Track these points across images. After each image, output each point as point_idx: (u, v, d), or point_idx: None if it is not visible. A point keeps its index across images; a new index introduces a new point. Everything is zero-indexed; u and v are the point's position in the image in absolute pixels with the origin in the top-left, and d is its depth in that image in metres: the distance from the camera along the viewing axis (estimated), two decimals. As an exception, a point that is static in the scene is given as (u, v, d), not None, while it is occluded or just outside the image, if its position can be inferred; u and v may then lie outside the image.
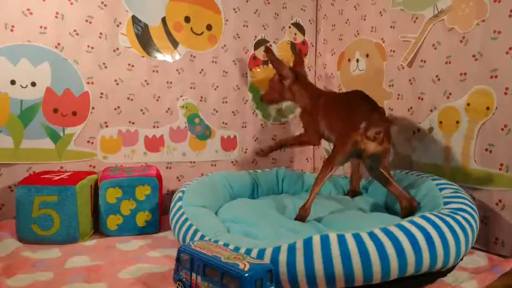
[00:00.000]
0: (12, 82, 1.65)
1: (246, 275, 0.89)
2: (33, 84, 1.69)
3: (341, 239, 1.03)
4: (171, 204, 1.51)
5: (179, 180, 2.03)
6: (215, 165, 2.12)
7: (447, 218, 1.10)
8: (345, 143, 1.40)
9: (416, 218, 1.09)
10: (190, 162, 2.06)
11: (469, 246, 1.14)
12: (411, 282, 1.08)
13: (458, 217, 1.12)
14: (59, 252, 1.38)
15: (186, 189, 1.58)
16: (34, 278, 1.15)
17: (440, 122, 1.63)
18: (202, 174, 2.06)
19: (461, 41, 1.55)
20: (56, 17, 1.72)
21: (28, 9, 1.66)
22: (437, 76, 1.65)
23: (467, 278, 1.17)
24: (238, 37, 2.14)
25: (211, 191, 1.65)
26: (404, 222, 1.08)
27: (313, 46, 2.38)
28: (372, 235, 1.03)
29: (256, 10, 2.18)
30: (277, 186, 1.95)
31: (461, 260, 1.19)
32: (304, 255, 1.02)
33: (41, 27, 1.69)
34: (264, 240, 1.20)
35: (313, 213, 1.48)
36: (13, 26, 1.64)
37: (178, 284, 1.05)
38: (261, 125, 2.25)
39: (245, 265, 0.91)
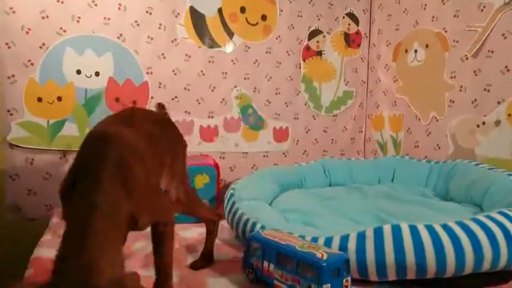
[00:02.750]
0: (78, 72, 1.71)
1: (324, 264, 0.88)
2: (97, 74, 1.74)
3: (413, 230, 1.01)
4: (225, 202, 1.52)
5: (232, 170, 2.05)
6: (267, 157, 2.12)
7: None
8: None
9: (493, 214, 1.06)
10: (243, 152, 2.07)
11: None
12: (483, 280, 1.05)
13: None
14: (124, 237, 1.42)
15: (236, 185, 1.60)
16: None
17: (509, 115, 1.56)
18: (254, 166, 2.09)
19: (535, 30, 1.48)
20: (119, 8, 1.76)
21: (93, 1, 1.71)
22: (506, 67, 1.58)
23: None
24: (293, 27, 2.12)
25: (261, 185, 1.67)
26: (480, 217, 1.05)
27: (367, 37, 2.33)
28: (446, 227, 1.01)
29: (311, 0, 2.15)
30: (325, 177, 1.93)
31: None
32: (374, 244, 1.01)
33: (104, 18, 1.74)
34: (326, 230, 1.20)
35: (369, 202, 1.47)
36: (79, 18, 1.70)
37: (249, 271, 1.06)
38: (313, 116, 2.23)
39: (322, 254, 0.91)
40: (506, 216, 1.04)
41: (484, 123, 1.66)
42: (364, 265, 1.01)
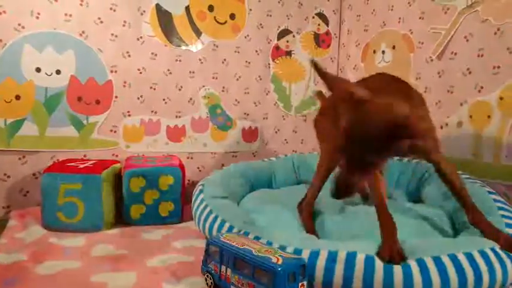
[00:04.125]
0: (38, 70, 1.66)
1: (279, 268, 0.87)
2: (58, 72, 1.69)
3: (387, 269, 0.94)
4: (193, 198, 1.49)
5: (200, 170, 2.02)
6: (236, 157, 2.10)
7: None
8: None
9: (474, 252, 0.99)
10: (211, 153, 2.05)
11: None
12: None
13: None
14: (84, 240, 1.38)
15: (205, 182, 1.57)
16: (63, 266, 1.15)
17: (471, 116, 1.59)
18: (222, 165, 2.06)
19: (495, 33, 1.50)
20: (81, 4, 1.71)
21: (54, -4, 1.66)
22: (468, 69, 1.60)
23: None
24: (262, 27, 2.11)
25: (230, 182, 1.64)
26: (460, 255, 0.98)
27: (336, 37, 2.33)
28: (421, 263, 0.95)
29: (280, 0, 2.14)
30: (294, 174, 1.92)
31: None
32: (344, 268, 0.96)
33: (66, 14, 1.69)
34: (290, 232, 1.19)
35: (337, 205, 1.45)
36: (39, 14, 1.64)
37: (207, 276, 1.04)
38: (282, 116, 2.22)
39: (278, 259, 0.90)
40: (484, 256, 0.98)
41: (446, 124, 1.69)
42: (330, 286, 0.96)
